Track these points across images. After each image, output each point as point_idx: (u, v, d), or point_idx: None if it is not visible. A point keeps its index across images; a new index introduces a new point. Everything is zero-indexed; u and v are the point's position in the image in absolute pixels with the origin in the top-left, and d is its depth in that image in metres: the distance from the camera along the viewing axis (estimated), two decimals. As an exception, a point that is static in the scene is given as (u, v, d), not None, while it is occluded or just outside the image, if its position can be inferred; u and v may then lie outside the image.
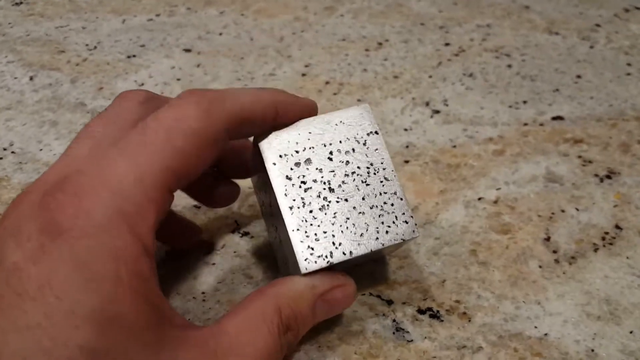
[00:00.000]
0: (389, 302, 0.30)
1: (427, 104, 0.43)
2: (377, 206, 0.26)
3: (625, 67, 0.46)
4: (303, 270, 0.24)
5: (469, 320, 0.29)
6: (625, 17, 0.51)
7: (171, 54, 0.47)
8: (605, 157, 0.38)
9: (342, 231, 0.25)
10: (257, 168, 0.28)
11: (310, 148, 0.26)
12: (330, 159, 0.26)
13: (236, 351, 0.21)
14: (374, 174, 0.26)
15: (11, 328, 0.17)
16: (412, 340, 0.28)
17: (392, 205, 0.26)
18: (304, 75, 0.45)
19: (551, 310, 0.29)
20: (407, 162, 0.38)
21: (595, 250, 0.32)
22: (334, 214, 0.25)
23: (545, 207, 0.34)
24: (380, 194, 0.26)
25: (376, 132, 0.27)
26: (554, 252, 0.32)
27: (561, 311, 0.29)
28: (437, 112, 0.42)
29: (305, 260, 0.24)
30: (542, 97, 0.43)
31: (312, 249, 0.24)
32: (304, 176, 0.25)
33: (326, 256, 0.24)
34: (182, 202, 0.35)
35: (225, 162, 0.29)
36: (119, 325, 0.18)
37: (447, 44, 0.49)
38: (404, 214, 0.26)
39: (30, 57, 0.47)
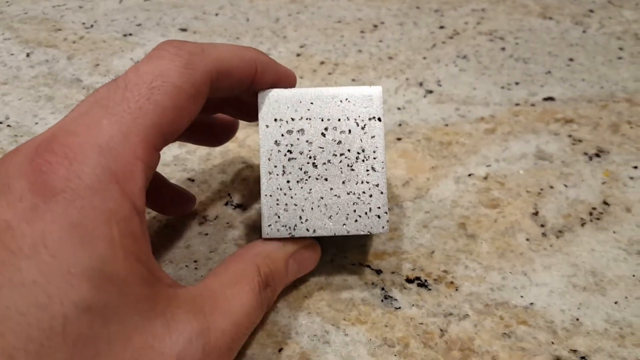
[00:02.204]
0: (378, 272, 0.30)
1: (421, 84, 0.43)
2: (354, 193, 0.26)
3: (617, 51, 0.46)
4: (264, 235, 0.25)
5: (456, 289, 0.29)
6: (618, 3, 0.52)
7: (167, 33, 0.48)
8: (595, 136, 0.38)
9: (312, 208, 0.25)
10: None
11: (307, 119, 0.26)
12: (324, 135, 0.26)
13: (222, 306, 0.22)
14: (363, 161, 0.26)
15: (6, 284, 0.17)
16: (399, 308, 0.28)
17: (371, 196, 0.26)
18: (298, 55, 0.46)
19: (537, 281, 0.30)
20: (399, 139, 0.38)
21: (583, 224, 0.32)
22: (310, 189, 0.26)
23: (534, 183, 0.35)
24: (362, 182, 0.26)
25: (379, 119, 0.26)
26: (542, 226, 0.32)
27: (547, 282, 0.30)
28: (431, 92, 0.42)
29: (269, 226, 0.25)
30: (534, 78, 0.43)
31: (279, 217, 0.25)
32: (292, 145, 0.26)
33: (289, 227, 0.25)
34: (176, 175, 0.35)
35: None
36: (114, 283, 0.19)
37: (441, 27, 0.49)
38: (379, 207, 0.26)
39: (27, 35, 0.47)
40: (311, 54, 0.46)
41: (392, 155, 0.37)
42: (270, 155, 0.25)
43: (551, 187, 0.35)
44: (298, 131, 0.26)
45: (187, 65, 0.22)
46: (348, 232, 0.26)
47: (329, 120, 0.26)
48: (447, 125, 0.39)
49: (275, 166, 0.25)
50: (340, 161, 0.26)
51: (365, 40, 0.47)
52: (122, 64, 0.44)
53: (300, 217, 0.25)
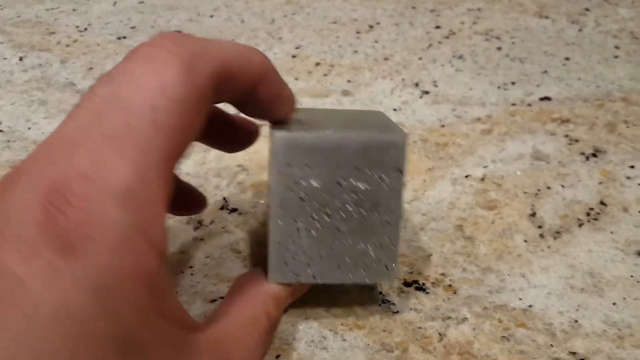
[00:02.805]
0: (376, 275, 0.30)
1: (417, 85, 0.43)
2: (366, 245, 0.25)
3: (613, 50, 0.46)
4: (270, 280, 0.25)
5: (454, 293, 0.29)
6: (614, 2, 0.52)
7: (161, 35, 0.47)
8: (592, 136, 0.38)
9: (321, 257, 0.25)
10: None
11: (324, 165, 0.24)
12: (339, 184, 0.24)
13: (235, 354, 0.22)
14: (378, 213, 0.24)
15: (24, 354, 0.16)
16: (398, 312, 0.28)
17: (382, 249, 0.25)
18: (294, 56, 0.45)
19: (535, 283, 0.29)
20: (395, 141, 0.38)
21: (580, 225, 0.32)
22: (320, 239, 0.25)
23: (531, 184, 0.35)
24: (375, 233, 0.25)
25: (400, 171, 0.24)
26: (539, 227, 0.32)
27: (545, 284, 0.29)
28: (427, 92, 0.42)
29: (276, 271, 0.25)
30: (530, 78, 0.43)
31: (286, 264, 0.25)
32: (305, 193, 0.24)
33: (296, 274, 0.25)
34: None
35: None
36: (140, 350, 0.18)
37: (437, 27, 0.49)
38: (388, 259, 0.25)
39: (20, 38, 0.47)
40: (307, 55, 0.45)
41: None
42: (282, 202, 0.24)
43: (548, 187, 0.34)
44: (313, 179, 0.24)
45: (189, 69, 0.19)
46: (354, 281, 0.25)
47: (346, 168, 0.24)
48: (443, 126, 0.39)
49: (286, 213, 0.24)
50: (355, 212, 0.24)
51: (360, 41, 0.47)
52: (116, 67, 0.44)
53: (308, 265, 0.25)
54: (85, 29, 0.48)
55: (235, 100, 0.23)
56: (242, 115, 0.26)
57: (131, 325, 0.17)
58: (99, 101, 0.19)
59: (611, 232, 0.32)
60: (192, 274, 0.30)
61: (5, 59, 0.45)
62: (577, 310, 0.28)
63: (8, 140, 0.38)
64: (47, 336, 0.16)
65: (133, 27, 0.48)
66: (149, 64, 0.19)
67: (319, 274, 0.25)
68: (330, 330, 0.27)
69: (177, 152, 0.20)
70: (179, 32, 0.21)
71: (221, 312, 0.24)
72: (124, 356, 0.17)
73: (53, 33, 0.48)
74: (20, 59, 0.45)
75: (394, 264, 0.25)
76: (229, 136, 0.29)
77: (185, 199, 0.30)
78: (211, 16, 0.50)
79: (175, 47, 0.20)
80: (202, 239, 0.32)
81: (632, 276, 0.30)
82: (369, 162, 0.24)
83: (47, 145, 0.20)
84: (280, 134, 0.23)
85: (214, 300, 0.29)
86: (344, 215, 0.24)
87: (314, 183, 0.24)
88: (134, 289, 0.18)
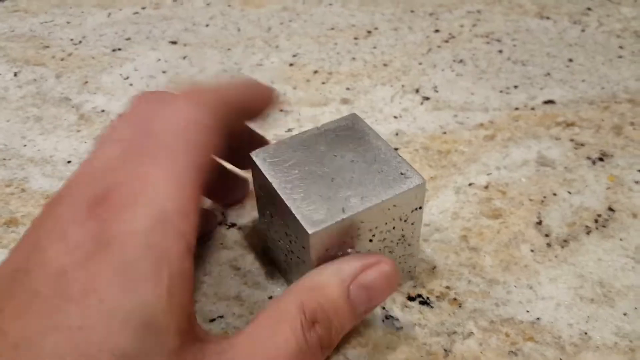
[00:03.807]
0: (379, 290, 0.29)
1: (417, 91, 0.42)
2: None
3: (617, 50, 0.45)
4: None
5: (460, 306, 0.28)
6: (616, 1, 0.51)
7: (157, 46, 0.47)
8: (598, 139, 0.37)
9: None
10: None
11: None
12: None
13: (257, 353, 0.20)
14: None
15: (53, 329, 0.17)
16: (401, 328, 0.27)
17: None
18: (291, 65, 0.45)
19: (543, 294, 0.29)
20: (396, 149, 0.37)
21: (588, 232, 0.31)
22: None
23: (537, 191, 0.34)
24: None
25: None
26: (546, 235, 0.31)
27: (554, 295, 0.29)
28: (427, 98, 0.41)
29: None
30: (533, 81, 0.42)
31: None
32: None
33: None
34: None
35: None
36: (152, 332, 0.18)
37: (437, 31, 0.48)
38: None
39: (15, 53, 0.47)
40: (304, 63, 0.45)
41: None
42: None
43: (554, 194, 0.34)
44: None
45: (199, 101, 0.23)
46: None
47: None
48: (445, 133, 0.38)
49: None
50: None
51: (359, 47, 0.46)
52: (111, 80, 0.43)
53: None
54: (80, 41, 0.48)
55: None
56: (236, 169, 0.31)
57: (147, 303, 0.18)
58: (130, 135, 0.22)
59: (620, 239, 0.31)
60: (190, 293, 0.29)
61: (-1, 74, 0.44)
62: (586, 321, 0.27)
63: (4, 159, 0.37)
64: (75, 312, 0.17)
65: (128, 39, 0.48)
66: (164, 106, 0.23)
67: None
68: (332, 349, 0.27)
69: (206, 166, 0.22)
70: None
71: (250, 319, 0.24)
72: (136, 334, 0.18)
73: (47, 47, 0.47)
74: (15, 74, 0.44)
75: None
76: (223, 188, 0.32)
77: (230, 183, 0.32)
78: (207, 25, 0.49)
79: (178, 93, 0.23)
80: (199, 256, 0.31)
81: (643, 285, 0.29)
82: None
83: (84, 170, 0.22)
84: (313, 231, 0.23)
85: (213, 320, 0.28)
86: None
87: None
88: (158, 267, 0.19)
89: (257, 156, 0.26)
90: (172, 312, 0.19)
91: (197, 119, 0.22)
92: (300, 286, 0.22)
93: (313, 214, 0.23)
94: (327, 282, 0.22)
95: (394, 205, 0.25)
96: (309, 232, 0.23)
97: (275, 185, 0.25)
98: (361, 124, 0.28)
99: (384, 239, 0.26)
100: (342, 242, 0.24)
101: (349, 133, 0.27)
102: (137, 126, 0.22)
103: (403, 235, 0.26)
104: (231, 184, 0.32)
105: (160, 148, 0.21)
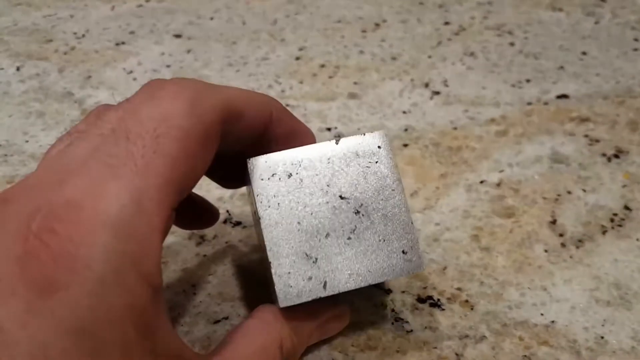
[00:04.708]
0: (387, 292, 0.28)
1: (427, 85, 0.41)
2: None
3: (632, 43, 0.44)
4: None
5: (472, 309, 0.27)
6: (631, -9, 0.50)
7: (161, 40, 0.46)
8: (613, 135, 0.36)
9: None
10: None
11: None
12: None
13: None
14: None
15: None
16: (411, 331, 0.27)
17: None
18: (298, 58, 0.44)
19: (558, 297, 0.28)
20: (406, 145, 0.36)
21: (604, 232, 0.31)
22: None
23: (550, 188, 0.33)
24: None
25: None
26: (561, 235, 0.30)
27: (568, 297, 0.28)
28: (437, 93, 0.40)
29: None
30: (546, 75, 0.41)
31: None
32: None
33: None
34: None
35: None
36: None
37: (446, 23, 0.47)
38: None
39: (17, 47, 0.46)
40: (311, 57, 0.44)
41: (398, 162, 0.35)
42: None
43: (569, 192, 0.33)
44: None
45: (193, 103, 0.19)
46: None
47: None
48: (455, 128, 0.37)
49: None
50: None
51: (367, 40, 0.45)
52: (114, 75, 0.43)
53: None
54: (83, 35, 0.47)
55: (248, 141, 0.22)
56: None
57: None
58: (97, 131, 0.18)
59: (637, 240, 0.30)
60: (194, 293, 0.29)
61: (2, 69, 0.44)
62: (603, 325, 0.27)
63: (5, 155, 0.37)
64: None
65: (132, 32, 0.47)
66: (152, 102, 0.19)
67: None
68: (340, 352, 0.26)
69: (181, 183, 0.19)
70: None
71: (229, 341, 0.22)
72: None
73: (50, 41, 0.46)
74: (18, 68, 0.44)
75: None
76: (192, 215, 0.28)
77: (195, 213, 0.28)
78: (211, 18, 0.48)
79: (180, 87, 0.19)
80: (204, 255, 0.30)
81: (661, 287, 0.28)
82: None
83: (39, 173, 0.19)
84: (285, 305, 0.22)
85: (217, 321, 0.27)
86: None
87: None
88: (122, 329, 0.16)
89: (253, 171, 0.22)
90: None
91: (177, 122, 0.18)
92: (281, 324, 0.23)
93: (291, 280, 0.22)
94: (302, 326, 0.23)
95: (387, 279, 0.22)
96: (280, 305, 0.22)
97: (262, 224, 0.22)
98: (384, 154, 0.23)
99: (358, 211, 0.23)
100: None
101: (367, 165, 0.23)
102: (113, 123, 0.19)
103: (386, 215, 0.23)
104: (198, 211, 0.28)
105: (126, 156, 0.18)
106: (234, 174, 0.25)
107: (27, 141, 0.38)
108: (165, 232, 0.18)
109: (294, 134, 0.23)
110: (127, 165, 0.17)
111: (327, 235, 0.22)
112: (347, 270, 0.22)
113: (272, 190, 0.22)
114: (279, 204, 0.22)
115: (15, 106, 0.40)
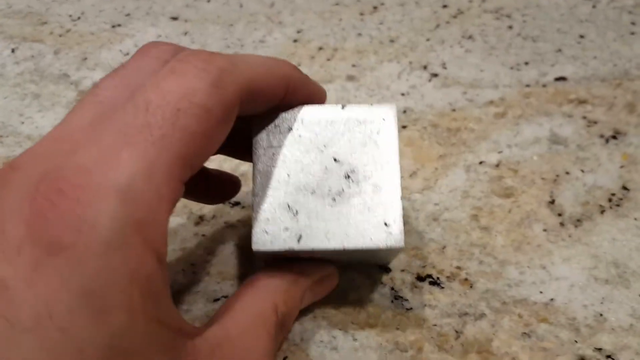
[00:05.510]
0: (387, 270, 0.28)
1: (425, 67, 0.41)
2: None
3: (629, 26, 0.44)
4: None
5: (471, 287, 0.27)
6: (629, -25, 0.49)
7: (157, 22, 0.45)
8: (611, 117, 0.36)
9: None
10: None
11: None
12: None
13: (241, 356, 0.21)
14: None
15: None
16: (411, 309, 0.27)
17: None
18: (295, 41, 0.43)
19: (557, 275, 0.28)
20: (404, 127, 0.36)
21: (602, 212, 0.31)
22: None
23: (549, 169, 0.33)
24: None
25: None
26: (559, 215, 0.30)
27: (567, 275, 0.28)
28: (435, 75, 0.40)
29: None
30: (544, 58, 0.41)
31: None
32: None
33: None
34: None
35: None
36: (130, 358, 0.16)
37: (445, 6, 0.47)
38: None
39: (12, 30, 0.45)
40: (308, 40, 0.44)
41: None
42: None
43: (567, 173, 0.33)
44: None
45: (217, 83, 0.19)
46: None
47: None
48: (454, 110, 0.37)
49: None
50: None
51: (364, 23, 0.45)
52: (110, 56, 0.42)
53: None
54: (79, 17, 0.46)
55: (261, 111, 0.23)
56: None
57: (122, 331, 0.16)
58: (121, 109, 0.18)
59: (635, 219, 0.30)
60: (193, 272, 0.29)
61: (-4, 51, 0.43)
62: (601, 303, 0.27)
63: (1, 136, 0.36)
64: (29, 344, 0.14)
65: (128, 15, 0.46)
66: (176, 76, 0.18)
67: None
68: (340, 330, 0.26)
69: (194, 159, 0.18)
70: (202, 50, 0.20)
71: (225, 311, 0.22)
72: None
73: (45, 23, 0.46)
74: (12, 50, 0.43)
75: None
76: (212, 189, 0.28)
77: (217, 186, 0.28)
78: (208, 1, 0.48)
79: (206, 64, 0.19)
80: (203, 235, 0.30)
81: (659, 265, 0.28)
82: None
83: (48, 139, 0.18)
84: (257, 249, 0.22)
85: (217, 300, 0.27)
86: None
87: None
88: (126, 291, 0.16)
89: (257, 122, 0.23)
90: (151, 332, 0.17)
91: (200, 100, 0.18)
92: (274, 287, 0.23)
93: (269, 227, 0.22)
94: (294, 287, 0.24)
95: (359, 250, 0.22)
96: (253, 248, 0.22)
97: (254, 171, 0.22)
98: (388, 127, 0.24)
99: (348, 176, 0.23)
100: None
101: (368, 134, 0.23)
102: (122, 90, 0.19)
103: (377, 184, 0.23)
104: (215, 184, 0.28)
105: (143, 126, 0.17)
106: (242, 143, 0.25)
107: (22, 122, 0.37)
108: (173, 204, 0.18)
109: (308, 98, 0.23)
110: (142, 135, 0.17)
111: (313, 192, 0.22)
112: (325, 229, 0.22)
113: (270, 141, 0.23)
114: (273, 154, 0.22)
115: (11, 88, 0.40)
